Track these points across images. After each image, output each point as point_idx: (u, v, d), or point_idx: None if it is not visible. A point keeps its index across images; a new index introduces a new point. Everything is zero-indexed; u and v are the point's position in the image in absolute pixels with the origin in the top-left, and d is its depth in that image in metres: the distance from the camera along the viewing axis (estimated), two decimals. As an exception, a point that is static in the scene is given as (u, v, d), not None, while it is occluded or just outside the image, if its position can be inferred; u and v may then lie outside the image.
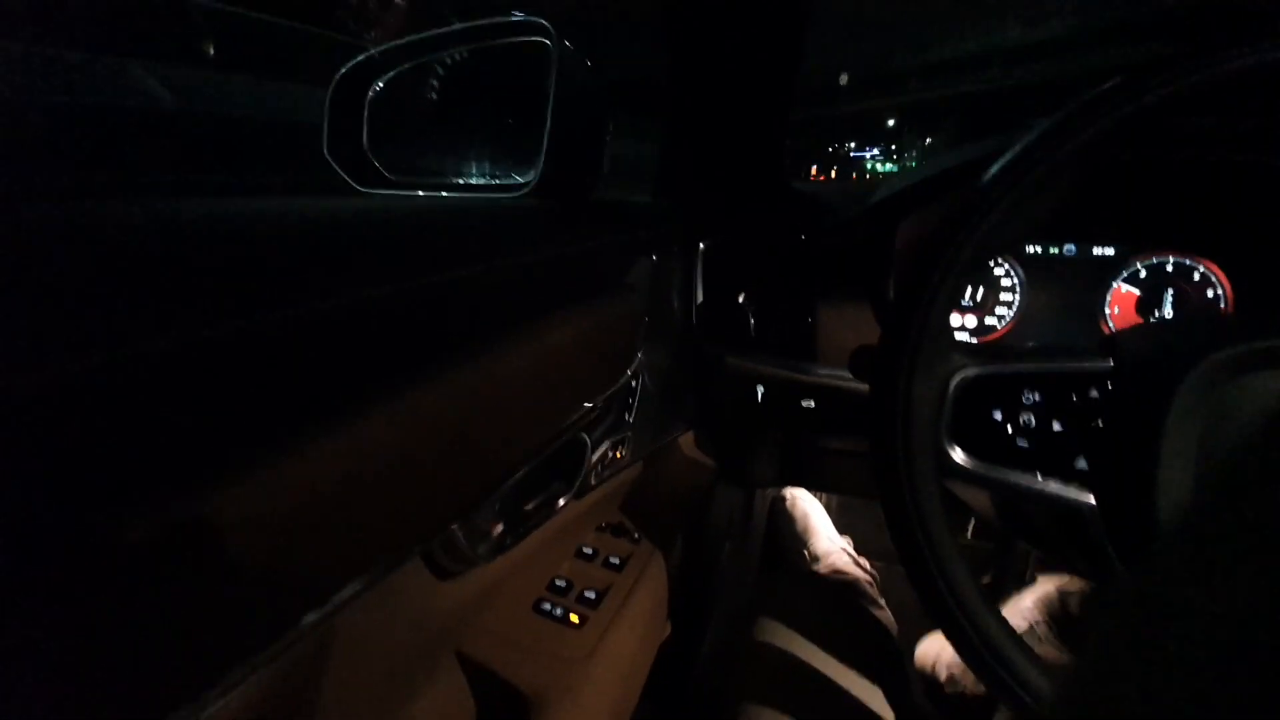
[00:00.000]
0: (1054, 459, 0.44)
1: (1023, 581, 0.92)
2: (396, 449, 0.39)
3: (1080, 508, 0.42)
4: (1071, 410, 0.44)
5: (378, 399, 0.38)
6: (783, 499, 1.27)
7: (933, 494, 0.43)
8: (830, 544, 1.15)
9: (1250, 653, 0.13)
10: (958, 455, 0.45)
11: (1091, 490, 0.42)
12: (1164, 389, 0.39)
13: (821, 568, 1.09)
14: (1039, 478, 0.43)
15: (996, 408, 0.46)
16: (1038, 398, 0.45)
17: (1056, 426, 0.44)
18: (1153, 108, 0.36)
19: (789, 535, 1.22)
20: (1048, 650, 0.81)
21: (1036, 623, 0.83)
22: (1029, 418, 0.45)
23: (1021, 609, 0.86)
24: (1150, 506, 0.38)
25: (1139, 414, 0.41)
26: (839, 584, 0.98)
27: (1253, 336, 0.39)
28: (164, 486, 0.27)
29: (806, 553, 1.16)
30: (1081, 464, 0.43)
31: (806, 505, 1.25)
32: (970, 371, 0.45)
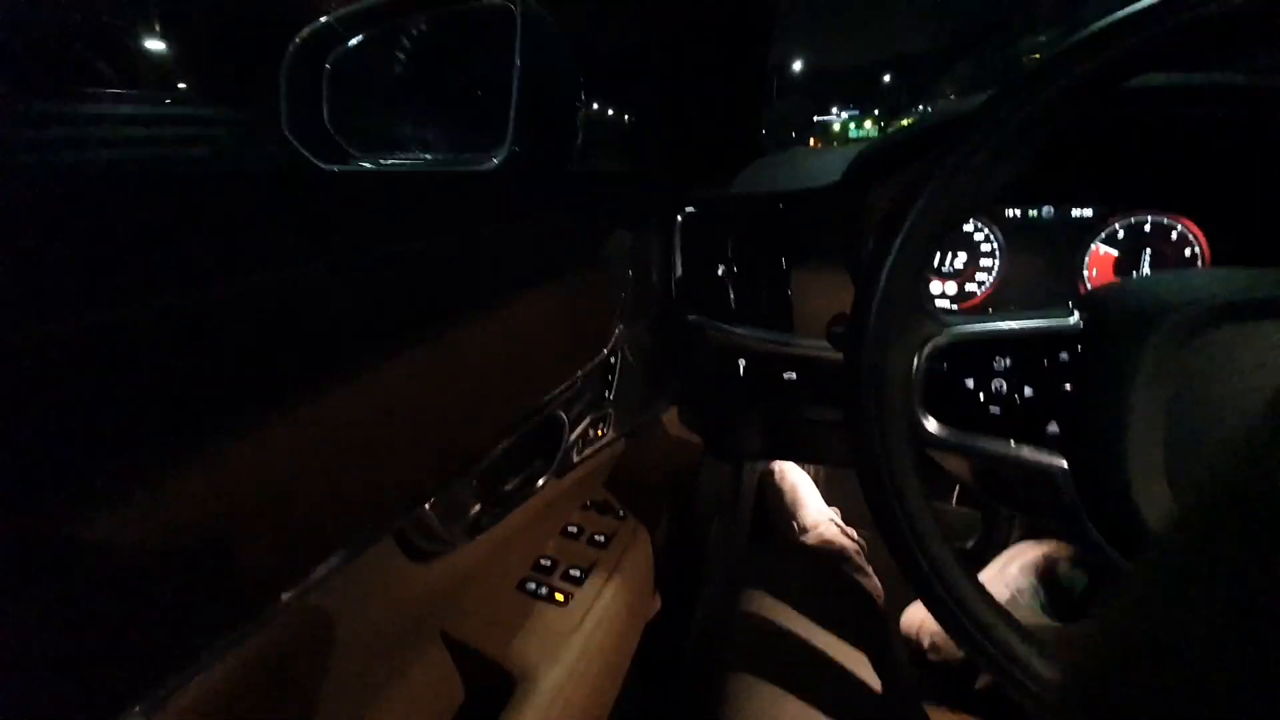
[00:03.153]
0: (1026, 424, 0.44)
1: (1006, 547, 0.93)
2: (363, 426, 0.39)
3: (1053, 472, 0.42)
4: (1042, 374, 0.44)
5: (343, 375, 0.37)
6: (771, 472, 1.27)
7: (907, 462, 0.42)
8: (818, 515, 1.16)
9: (1244, 644, 0.12)
10: (931, 424, 0.45)
11: (1063, 454, 0.42)
12: (1132, 348, 0.39)
13: (810, 538, 1.09)
14: (1011, 444, 0.43)
15: (968, 375, 0.45)
16: (1009, 363, 0.45)
17: (1028, 391, 0.44)
18: (1114, 65, 0.35)
19: (777, 507, 1.22)
20: (1032, 617, 0.82)
21: (1021, 590, 0.84)
22: (1000, 384, 0.45)
23: (1006, 575, 0.87)
24: (1120, 469, 0.38)
25: (1107, 374, 0.40)
26: (826, 554, 0.99)
27: (1220, 292, 0.38)
28: (130, 467, 0.27)
29: (795, 524, 1.16)
30: (1053, 428, 0.43)
31: (795, 477, 1.25)
32: (941, 339, 0.45)
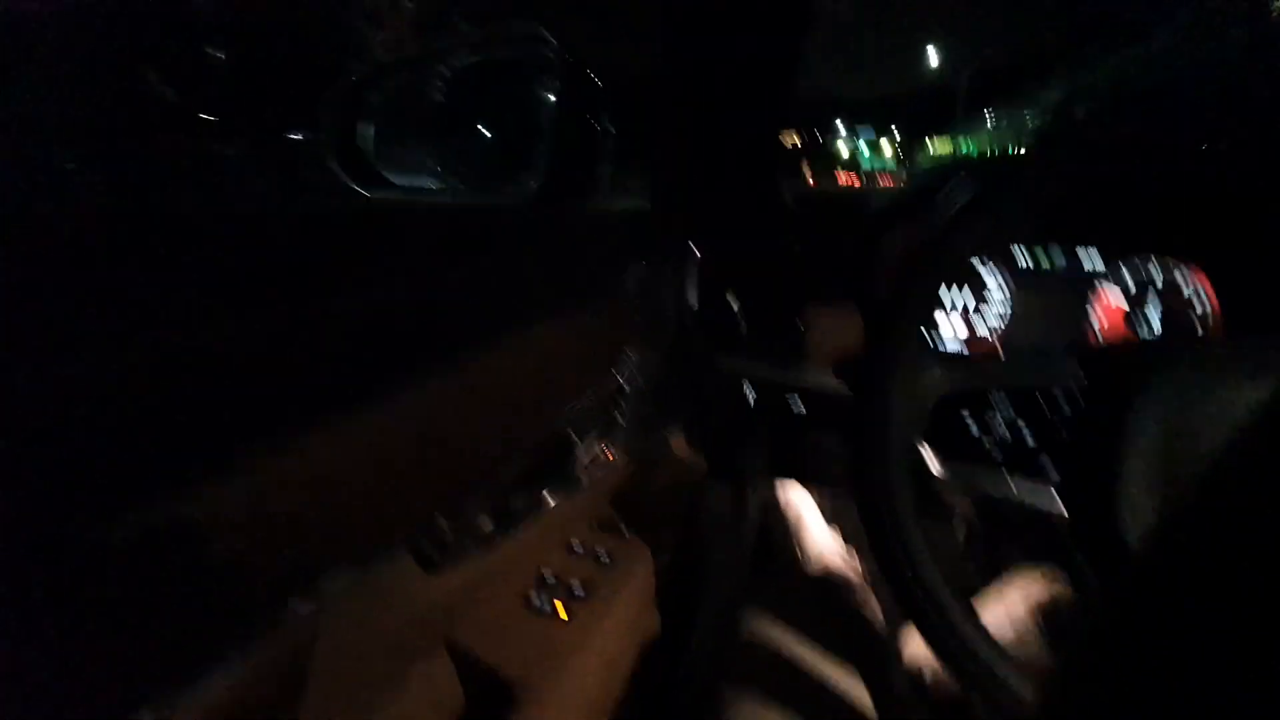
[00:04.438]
0: (1026, 471, 0.46)
1: (1000, 571, 0.93)
2: (382, 445, 0.41)
3: (1050, 517, 0.44)
4: (1044, 424, 0.46)
5: (364, 396, 0.40)
6: (776, 497, 1.28)
7: (907, 500, 0.44)
8: (823, 542, 1.17)
9: (1219, 669, 0.14)
10: (935, 467, 0.46)
11: (1062, 501, 0.44)
12: (1132, 406, 0.41)
13: (813, 565, 1.10)
14: (1013, 489, 0.45)
15: (973, 421, 0.47)
16: (1012, 413, 0.47)
17: (1029, 440, 0.46)
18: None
19: (781, 532, 1.22)
20: (1030, 650, 0.82)
21: (1019, 620, 0.84)
22: (1004, 432, 0.47)
23: (1005, 607, 0.87)
24: (1115, 521, 0.40)
25: (1107, 429, 0.42)
26: (829, 581, 0.99)
27: (1214, 352, 0.40)
28: (155, 484, 0.29)
29: (799, 550, 1.17)
30: (1054, 475, 0.45)
31: (800, 504, 1.26)
32: (948, 387, 0.47)
